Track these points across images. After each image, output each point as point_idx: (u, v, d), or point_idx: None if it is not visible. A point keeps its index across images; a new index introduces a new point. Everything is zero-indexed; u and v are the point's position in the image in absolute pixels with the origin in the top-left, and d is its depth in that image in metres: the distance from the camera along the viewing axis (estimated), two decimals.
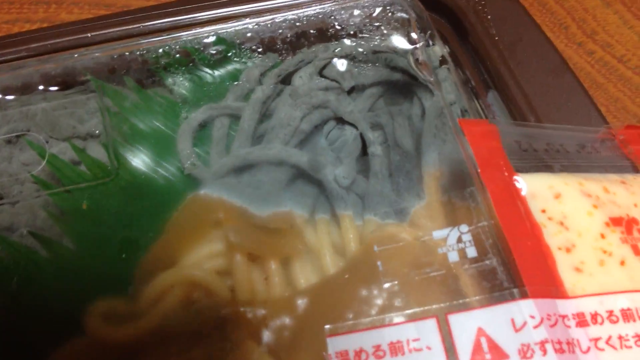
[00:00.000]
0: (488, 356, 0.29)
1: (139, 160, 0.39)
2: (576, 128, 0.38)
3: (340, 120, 0.42)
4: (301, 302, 0.34)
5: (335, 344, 0.30)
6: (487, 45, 0.44)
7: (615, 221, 0.34)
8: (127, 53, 0.38)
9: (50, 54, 0.39)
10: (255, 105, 0.41)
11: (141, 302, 0.35)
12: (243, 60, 0.40)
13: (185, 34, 0.39)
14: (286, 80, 0.43)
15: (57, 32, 0.44)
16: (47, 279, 0.35)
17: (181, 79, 0.41)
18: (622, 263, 0.32)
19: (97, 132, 0.40)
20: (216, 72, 0.41)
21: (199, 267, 0.36)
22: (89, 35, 0.43)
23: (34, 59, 0.38)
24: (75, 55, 0.37)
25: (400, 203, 0.38)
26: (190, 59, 0.40)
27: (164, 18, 0.43)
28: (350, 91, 0.42)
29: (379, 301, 0.32)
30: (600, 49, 0.52)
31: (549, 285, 0.31)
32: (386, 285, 0.32)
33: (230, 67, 0.42)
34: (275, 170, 0.39)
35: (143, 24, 0.44)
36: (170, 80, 0.41)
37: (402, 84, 0.43)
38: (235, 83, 0.42)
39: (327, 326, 0.31)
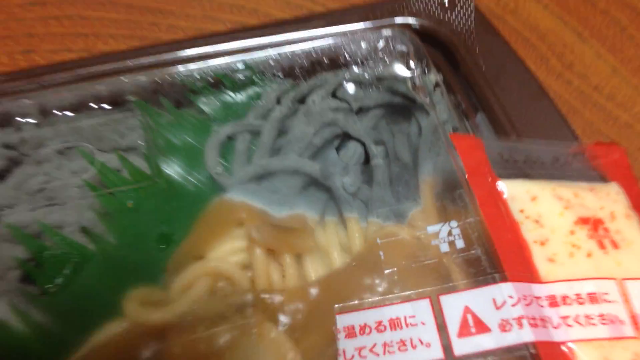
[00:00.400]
0: (473, 329, 0.33)
1: (173, 169, 0.44)
2: (551, 143, 0.43)
3: (348, 136, 0.47)
4: (313, 290, 0.39)
5: (343, 320, 0.35)
6: (476, 74, 0.50)
7: (584, 220, 0.39)
8: (167, 78, 0.44)
9: (101, 77, 0.45)
10: (273, 123, 0.46)
11: (173, 290, 0.39)
12: (266, 84, 0.46)
13: (217, 62, 0.45)
14: (300, 101, 0.48)
15: (102, 59, 0.50)
16: (93, 268, 0.39)
17: (210, 100, 0.46)
18: (589, 255, 0.37)
19: (135, 145, 0.46)
20: (241, 94, 0.47)
21: (224, 260, 0.41)
22: (129, 62, 0.49)
23: (89, 81, 0.44)
24: (124, 79, 0.43)
25: (400, 207, 0.43)
26: (219, 83, 0.46)
27: (196, 47, 0.49)
28: (356, 112, 0.47)
29: (381, 285, 0.37)
30: (577, 79, 0.57)
31: (526, 272, 0.36)
32: (387, 271, 0.37)
33: (253, 90, 0.48)
34: (290, 178, 0.44)
35: (177, 53, 0.50)
36: (201, 101, 0.47)
37: (402, 106, 0.47)
38: (256, 103, 0.48)
39: (336, 305, 0.36)
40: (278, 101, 0.48)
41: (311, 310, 0.38)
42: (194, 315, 0.38)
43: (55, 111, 0.45)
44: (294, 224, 0.42)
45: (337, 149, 0.46)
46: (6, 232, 0.40)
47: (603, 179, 0.42)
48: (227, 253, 0.41)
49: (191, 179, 0.44)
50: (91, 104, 0.44)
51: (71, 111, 0.44)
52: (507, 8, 0.63)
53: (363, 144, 0.46)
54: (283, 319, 0.38)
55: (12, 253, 0.40)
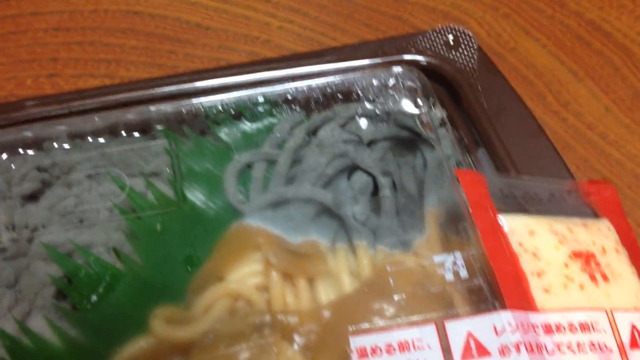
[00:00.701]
0: (475, 353, 0.36)
1: (194, 195, 0.47)
2: (548, 180, 0.46)
3: (357, 167, 0.50)
4: (326, 312, 0.42)
5: (356, 342, 0.38)
6: (478, 111, 0.53)
7: (577, 254, 0.42)
8: (192, 109, 0.47)
9: (128, 106, 0.48)
10: (288, 153, 0.49)
11: (195, 309, 0.42)
12: (282, 115, 0.49)
13: (238, 94, 0.48)
14: (313, 133, 0.51)
15: (127, 87, 0.53)
16: (123, 287, 0.42)
17: (230, 130, 0.50)
18: (581, 287, 0.40)
19: (160, 171, 0.49)
20: (258, 125, 0.50)
21: (242, 282, 0.43)
22: (153, 91, 0.52)
23: (118, 110, 0.47)
24: (152, 109, 0.47)
25: (406, 237, 0.45)
26: (240, 115, 0.49)
27: (217, 78, 0.53)
28: (367, 144, 0.51)
29: (390, 310, 0.40)
30: (572, 116, 0.61)
31: (523, 301, 0.39)
32: (396, 297, 0.40)
33: (269, 121, 0.51)
34: (304, 206, 0.47)
35: (197, 83, 0.53)
36: (221, 131, 0.50)
37: (408, 140, 0.50)
38: (272, 134, 0.51)
39: (350, 327, 0.39)
40: (291, 132, 0.51)
41: (324, 332, 0.41)
42: (216, 334, 0.41)
43: (85, 136, 0.48)
44: (307, 250, 0.45)
45: (350, 180, 0.49)
46: (41, 251, 0.43)
47: (595, 215, 0.46)
48: (246, 275, 0.44)
49: (212, 205, 0.47)
50: (120, 131, 0.47)
51: (100, 137, 0.47)
52: (507, 46, 0.67)
53: (372, 175, 0.49)
54: (298, 339, 0.41)
55: (47, 271, 0.42)
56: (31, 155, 0.47)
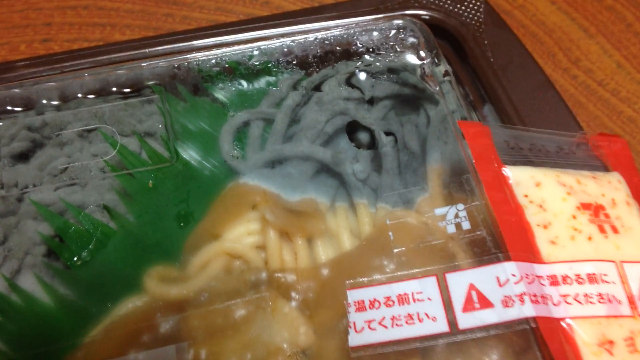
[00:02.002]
0: (477, 305, 0.35)
1: (189, 154, 0.46)
2: (556, 132, 0.45)
3: (358, 125, 0.48)
4: (324, 270, 0.41)
5: (353, 295, 0.37)
6: (484, 66, 0.51)
7: (585, 206, 0.40)
8: (185, 64, 0.46)
9: (120, 64, 0.47)
10: (286, 111, 0.48)
11: (190, 267, 0.41)
12: (281, 71, 0.47)
13: (233, 49, 0.46)
14: (312, 90, 0.49)
15: (119, 47, 0.52)
16: (115, 245, 0.41)
17: (225, 88, 0.48)
18: (590, 238, 0.39)
19: (153, 130, 0.47)
20: (255, 83, 0.49)
21: (239, 241, 0.42)
22: (146, 50, 0.51)
23: (108, 66, 0.46)
24: (143, 65, 0.45)
25: (408, 195, 0.44)
26: (234, 70, 0.47)
27: (211, 37, 0.51)
28: (367, 101, 0.49)
29: (390, 264, 0.39)
30: (583, 73, 0.59)
31: (528, 252, 0.37)
32: (396, 250, 0.39)
33: (266, 79, 0.49)
34: (302, 164, 0.45)
35: (192, 42, 0.52)
36: (216, 89, 0.48)
37: (411, 97, 0.49)
38: (269, 89, 0.49)
39: (347, 281, 0.38)
40: (291, 89, 0.49)
41: (322, 288, 0.40)
42: (211, 291, 0.40)
43: (76, 95, 0.47)
44: (305, 208, 0.44)
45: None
46: (31, 210, 0.42)
47: (605, 168, 0.44)
48: (242, 234, 0.43)
49: (206, 164, 0.46)
50: (111, 89, 0.45)
51: (91, 95, 0.45)
52: (515, 3, 0.64)
53: (373, 133, 0.48)
54: (295, 296, 0.40)
55: (37, 229, 0.41)
56: (21, 114, 0.46)
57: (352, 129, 0.49)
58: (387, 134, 0.49)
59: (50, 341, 0.38)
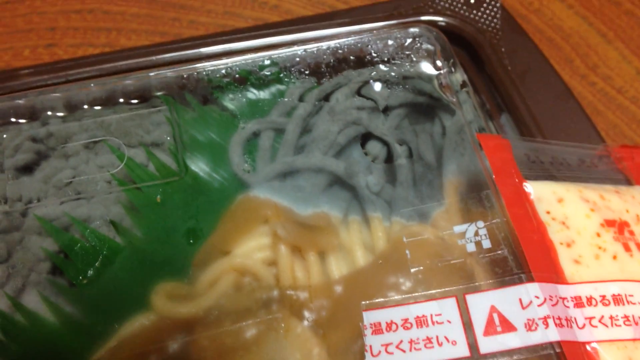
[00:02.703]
0: (499, 328, 0.34)
1: (198, 165, 0.45)
2: (578, 145, 0.43)
3: (371, 136, 0.47)
4: (338, 287, 0.39)
5: (369, 317, 0.36)
6: (501, 74, 0.50)
7: (609, 223, 0.39)
8: (194, 74, 0.44)
9: (127, 73, 0.45)
10: (297, 121, 0.46)
11: (199, 284, 0.40)
12: (292, 81, 0.46)
13: (244, 58, 0.45)
14: (323, 100, 0.48)
15: (126, 54, 0.50)
16: (122, 262, 0.40)
17: (235, 97, 0.47)
18: (615, 257, 0.37)
19: (161, 141, 0.46)
20: (265, 92, 0.47)
21: (249, 256, 0.41)
22: (153, 58, 0.50)
23: (115, 76, 0.45)
24: (151, 75, 0.44)
25: (423, 208, 0.43)
26: (245, 80, 0.46)
27: (220, 44, 0.50)
28: (382, 110, 0.48)
29: (406, 283, 0.37)
30: (601, 80, 0.57)
31: (552, 273, 0.36)
32: (413, 270, 0.38)
33: (277, 87, 0.48)
34: (315, 176, 0.44)
35: (201, 49, 0.50)
36: (225, 98, 0.47)
37: (426, 106, 0.47)
38: (280, 100, 0.48)
39: (363, 302, 0.37)
40: (301, 99, 0.48)
41: (336, 307, 0.38)
42: (221, 310, 0.39)
43: (82, 105, 0.46)
44: (318, 222, 0.42)
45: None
46: (36, 225, 0.41)
47: (628, 181, 0.43)
48: (253, 249, 0.42)
49: (216, 176, 0.44)
50: (118, 99, 0.44)
51: (97, 105, 0.44)
52: (531, 7, 0.63)
53: (387, 144, 0.46)
54: (308, 315, 0.38)
55: (42, 245, 0.40)
56: (25, 125, 0.45)
57: (365, 139, 0.48)
58: (401, 144, 0.47)
59: None
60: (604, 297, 0.35)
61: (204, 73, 0.45)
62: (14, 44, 0.61)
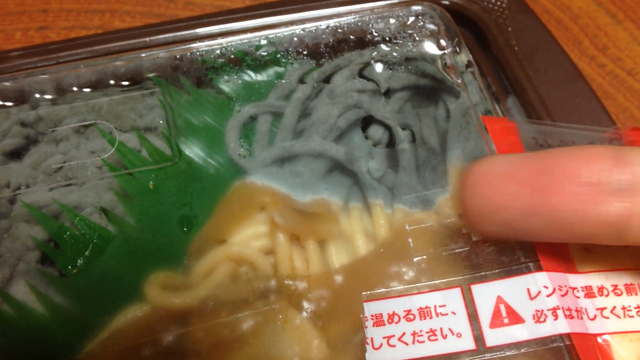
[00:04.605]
0: (506, 320, 0.32)
1: (192, 150, 0.43)
2: (587, 127, 0.41)
3: (372, 119, 0.46)
4: (338, 277, 0.38)
5: (370, 308, 0.34)
6: (507, 54, 0.48)
7: None
8: (188, 54, 0.43)
9: (119, 54, 0.44)
10: (296, 104, 0.45)
11: (194, 274, 0.39)
12: (290, 62, 0.44)
13: (239, 38, 0.43)
14: (323, 82, 0.46)
15: (119, 35, 0.49)
16: (114, 251, 0.39)
17: (231, 79, 0.45)
18: (627, 246, 0.36)
19: (154, 125, 0.45)
20: (262, 74, 0.46)
21: (246, 245, 0.40)
22: (147, 39, 0.48)
23: (106, 57, 0.43)
24: (143, 55, 0.42)
25: (427, 194, 0.42)
26: (240, 61, 0.44)
27: (216, 24, 0.48)
28: (384, 93, 0.46)
29: (409, 273, 0.36)
30: (611, 62, 0.55)
31: (561, 262, 0.34)
32: (416, 259, 0.36)
33: (274, 69, 0.46)
34: (314, 162, 0.43)
35: (196, 30, 0.48)
36: (221, 80, 0.45)
37: (429, 88, 0.46)
38: (277, 82, 0.46)
39: (364, 293, 0.35)
40: (301, 81, 0.46)
41: (336, 298, 0.37)
42: (217, 300, 0.38)
43: (72, 88, 0.44)
44: (317, 209, 0.41)
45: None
46: (24, 212, 0.39)
47: None
48: (250, 238, 0.40)
49: (211, 161, 0.43)
50: (109, 81, 0.42)
51: (88, 88, 0.42)
52: None
53: (389, 128, 0.45)
54: (307, 305, 0.37)
55: (30, 233, 0.39)
56: (14, 108, 0.43)
57: (366, 123, 0.46)
58: (403, 127, 0.46)
59: (44, 355, 0.36)
60: (616, 286, 0.34)
61: (198, 54, 0.43)
62: (5, 26, 0.59)
